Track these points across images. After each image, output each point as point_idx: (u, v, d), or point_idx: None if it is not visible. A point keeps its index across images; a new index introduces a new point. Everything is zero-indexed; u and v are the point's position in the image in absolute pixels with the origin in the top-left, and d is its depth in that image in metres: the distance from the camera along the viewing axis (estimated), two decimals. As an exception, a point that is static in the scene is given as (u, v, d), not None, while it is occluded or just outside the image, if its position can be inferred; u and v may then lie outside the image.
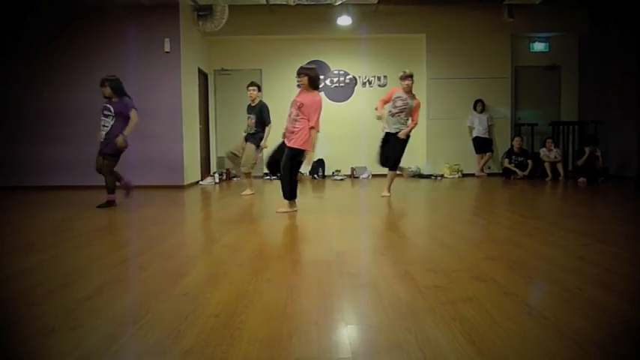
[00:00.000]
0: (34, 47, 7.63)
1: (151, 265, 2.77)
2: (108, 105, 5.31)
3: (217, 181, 8.67)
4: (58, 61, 7.62)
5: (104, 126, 5.28)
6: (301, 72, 4.82)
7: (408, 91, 5.94)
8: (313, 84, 4.81)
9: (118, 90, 5.32)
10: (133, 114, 5.30)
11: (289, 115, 4.80)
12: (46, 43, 7.63)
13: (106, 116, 5.29)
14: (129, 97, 5.39)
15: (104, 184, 5.36)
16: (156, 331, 1.77)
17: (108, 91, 5.31)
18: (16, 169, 7.64)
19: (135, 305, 2.08)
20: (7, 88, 7.68)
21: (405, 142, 5.98)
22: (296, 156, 4.73)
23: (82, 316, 1.92)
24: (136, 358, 1.58)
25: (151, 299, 2.14)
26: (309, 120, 4.68)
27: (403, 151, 6.03)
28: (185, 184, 7.73)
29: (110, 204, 5.33)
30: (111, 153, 5.26)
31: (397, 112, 5.95)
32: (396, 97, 5.96)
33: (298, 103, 4.74)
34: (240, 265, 2.73)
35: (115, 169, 5.36)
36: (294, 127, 4.71)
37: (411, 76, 5.92)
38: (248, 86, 6.41)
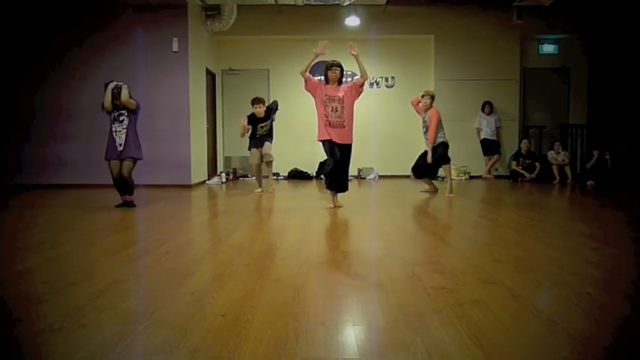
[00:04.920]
0: (40, 46, 7.66)
1: (158, 264, 2.78)
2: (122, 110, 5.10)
3: (224, 180, 8.68)
4: (65, 59, 7.64)
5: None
6: (335, 65, 5.05)
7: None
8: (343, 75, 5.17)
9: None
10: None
11: (332, 111, 4.84)
12: (53, 42, 7.65)
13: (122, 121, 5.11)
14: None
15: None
16: (163, 329, 1.77)
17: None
18: (22, 168, 7.68)
19: (142, 304, 2.09)
20: (14, 87, 7.71)
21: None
22: None
23: (89, 314, 1.93)
24: (142, 357, 1.58)
25: (158, 298, 2.15)
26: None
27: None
28: (192, 183, 7.75)
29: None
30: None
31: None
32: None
33: (339, 97, 4.88)
34: (247, 265, 2.73)
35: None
36: (344, 122, 4.85)
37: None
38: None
